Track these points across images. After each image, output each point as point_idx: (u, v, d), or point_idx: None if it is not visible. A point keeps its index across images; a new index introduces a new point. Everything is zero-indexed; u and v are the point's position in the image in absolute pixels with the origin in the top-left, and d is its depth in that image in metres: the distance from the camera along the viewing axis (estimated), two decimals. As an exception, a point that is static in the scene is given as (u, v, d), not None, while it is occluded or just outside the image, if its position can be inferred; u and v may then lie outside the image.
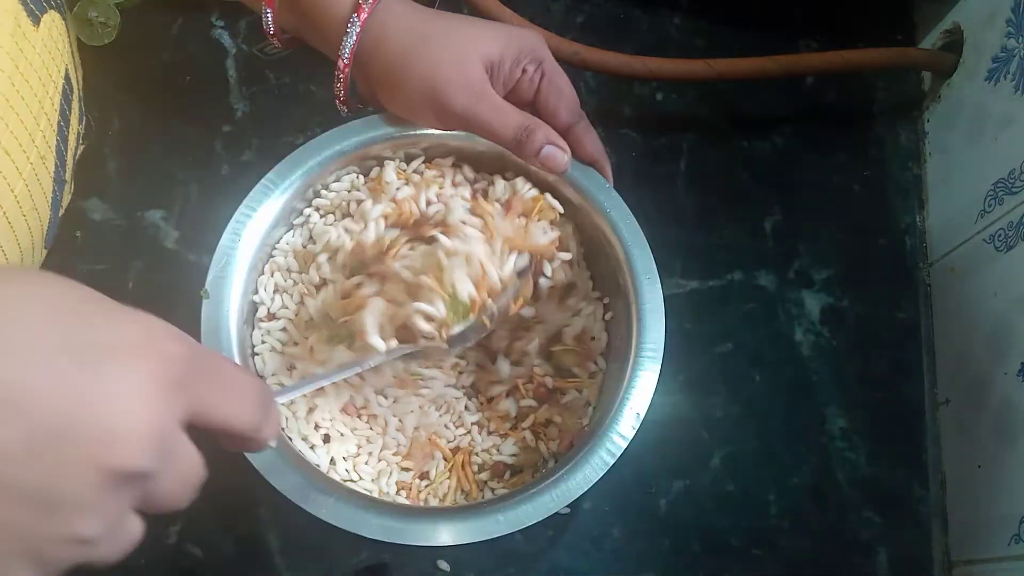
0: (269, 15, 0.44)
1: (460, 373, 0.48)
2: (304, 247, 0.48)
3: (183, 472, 0.25)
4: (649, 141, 0.61)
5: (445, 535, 0.40)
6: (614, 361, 0.48)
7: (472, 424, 0.48)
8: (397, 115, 0.47)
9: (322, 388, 0.45)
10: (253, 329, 0.47)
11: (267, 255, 0.48)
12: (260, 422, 0.28)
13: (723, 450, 0.54)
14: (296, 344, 0.47)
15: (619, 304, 0.48)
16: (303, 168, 0.47)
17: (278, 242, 0.49)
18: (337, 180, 0.49)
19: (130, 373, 0.22)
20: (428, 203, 0.47)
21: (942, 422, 0.56)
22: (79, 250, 0.54)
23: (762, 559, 0.52)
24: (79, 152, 0.49)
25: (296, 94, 0.59)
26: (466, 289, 0.41)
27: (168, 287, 0.51)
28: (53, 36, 0.42)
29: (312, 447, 0.45)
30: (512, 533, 0.41)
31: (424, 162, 0.50)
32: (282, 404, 0.44)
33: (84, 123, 0.49)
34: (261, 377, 0.46)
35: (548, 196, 0.49)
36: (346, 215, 0.49)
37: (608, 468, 0.42)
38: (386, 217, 0.46)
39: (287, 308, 0.47)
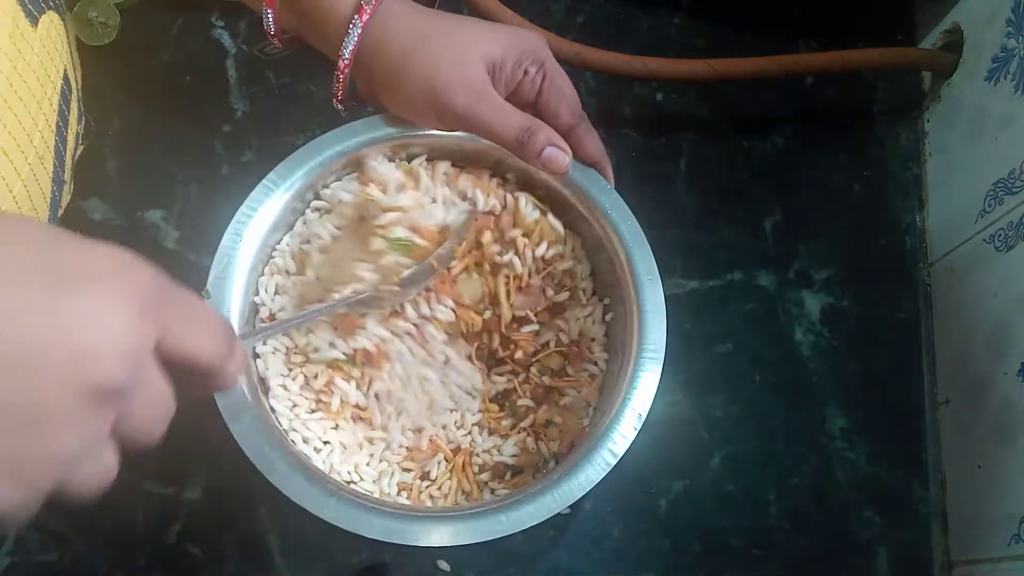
0: (270, 15, 0.44)
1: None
2: (303, 248, 0.48)
3: (154, 398, 0.26)
4: (649, 141, 0.61)
5: (446, 536, 0.40)
6: (615, 362, 0.48)
7: (472, 425, 0.48)
8: (398, 115, 0.47)
9: (326, 391, 0.45)
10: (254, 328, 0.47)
11: (268, 256, 0.48)
12: (225, 354, 0.29)
13: (723, 450, 0.54)
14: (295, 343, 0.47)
15: (620, 305, 0.48)
16: (304, 169, 0.47)
17: (278, 243, 0.49)
18: (338, 180, 0.49)
19: (102, 295, 0.24)
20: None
21: (942, 422, 0.56)
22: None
23: (762, 559, 0.52)
24: (78, 152, 0.49)
25: (296, 94, 0.59)
26: (401, 232, 0.44)
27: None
28: (51, 37, 0.42)
29: (316, 450, 0.45)
30: (513, 533, 0.41)
31: (427, 160, 0.50)
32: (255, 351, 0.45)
33: (83, 123, 0.49)
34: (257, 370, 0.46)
35: (549, 216, 0.49)
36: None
37: (610, 469, 0.42)
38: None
39: (286, 310, 0.47)
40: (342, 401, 0.46)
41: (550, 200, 0.50)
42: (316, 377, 0.46)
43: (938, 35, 0.62)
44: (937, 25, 0.63)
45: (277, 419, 0.45)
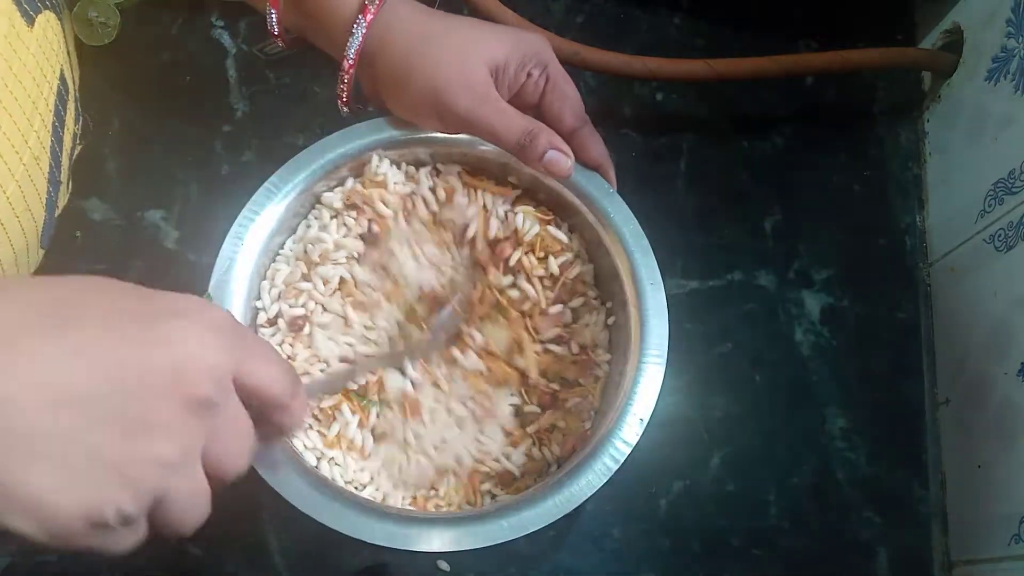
0: (274, 15, 0.44)
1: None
2: (306, 252, 0.48)
3: (236, 424, 0.30)
4: (649, 141, 0.61)
5: (448, 541, 0.40)
6: (617, 365, 0.47)
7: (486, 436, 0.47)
8: (401, 117, 0.47)
9: (328, 413, 0.46)
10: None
11: (270, 260, 0.48)
12: (291, 392, 0.32)
13: (723, 450, 0.54)
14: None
15: (622, 308, 0.47)
16: (306, 171, 0.47)
17: (281, 248, 0.48)
18: (341, 184, 0.49)
19: (189, 326, 0.27)
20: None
21: (942, 422, 0.56)
22: (79, 250, 0.54)
23: (762, 559, 0.52)
24: (76, 152, 0.49)
25: (296, 94, 0.59)
26: (414, 292, 0.47)
27: (168, 287, 0.51)
28: (48, 36, 0.42)
29: (317, 458, 0.45)
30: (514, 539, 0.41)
31: (433, 168, 0.50)
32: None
33: (80, 123, 0.49)
34: None
35: (550, 228, 0.49)
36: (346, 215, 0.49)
37: (611, 474, 0.42)
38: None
39: (283, 317, 0.47)
40: (339, 433, 0.45)
41: (553, 204, 0.50)
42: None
43: (938, 35, 0.62)
44: (937, 25, 0.63)
45: None
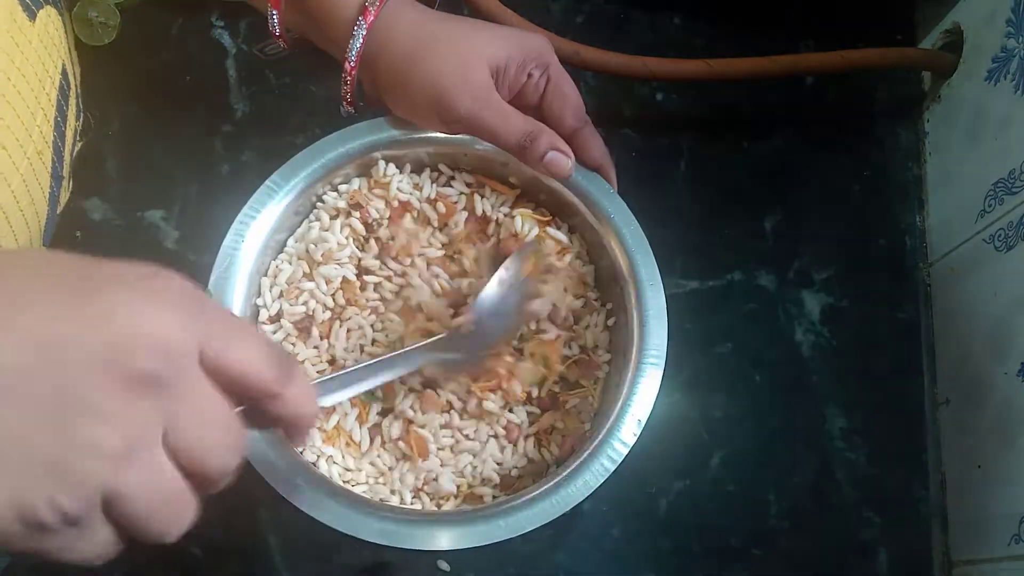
0: (275, 16, 0.44)
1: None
2: (308, 252, 0.48)
3: (206, 411, 0.25)
4: (649, 141, 0.61)
5: (447, 540, 0.40)
6: (616, 366, 0.47)
7: (490, 436, 0.47)
8: (401, 117, 0.47)
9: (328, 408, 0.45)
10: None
11: (270, 259, 0.48)
12: (280, 377, 0.27)
13: (723, 450, 0.54)
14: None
15: (621, 310, 0.47)
16: (307, 170, 0.47)
17: (283, 246, 0.48)
18: (345, 182, 0.49)
19: (131, 297, 0.23)
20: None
21: (942, 422, 0.56)
22: (79, 250, 0.53)
23: (762, 559, 0.52)
24: (77, 149, 0.49)
25: (296, 94, 0.59)
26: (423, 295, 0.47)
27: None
28: (50, 32, 0.42)
29: (316, 456, 0.45)
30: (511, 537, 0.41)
31: (431, 172, 0.50)
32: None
33: (82, 120, 0.49)
34: None
35: (550, 230, 0.49)
36: (349, 215, 0.49)
37: (608, 475, 0.42)
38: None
39: (284, 316, 0.47)
40: (339, 425, 0.45)
41: (553, 204, 0.50)
42: None
43: (938, 35, 0.62)
44: (937, 25, 0.63)
45: None
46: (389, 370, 0.41)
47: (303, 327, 0.47)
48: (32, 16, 0.40)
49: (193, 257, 0.54)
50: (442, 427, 0.46)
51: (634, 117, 0.62)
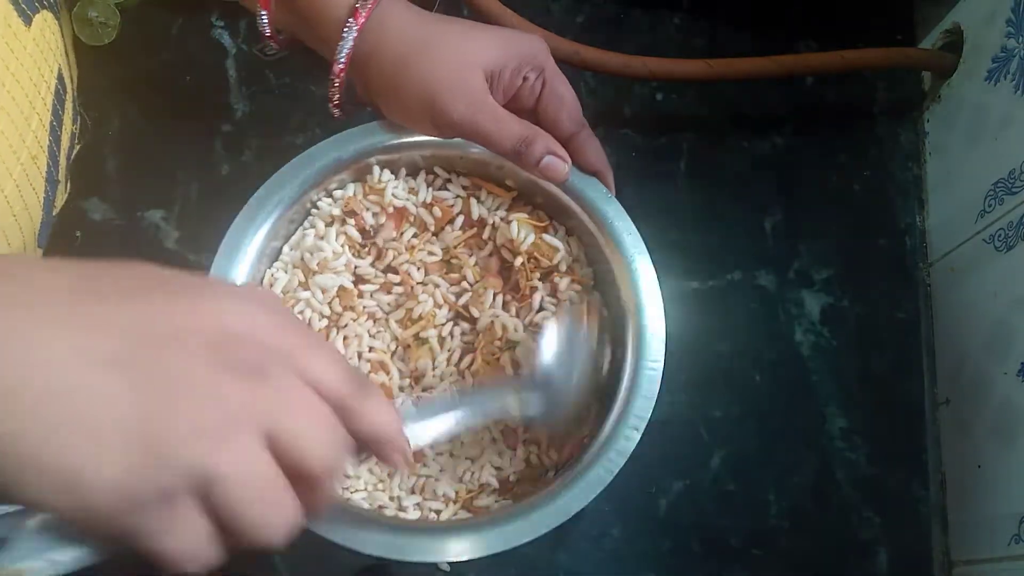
0: (264, 17, 0.44)
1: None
2: (303, 260, 0.48)
3: (309, 407, 0.25)
4: (649, 141, 0.61)
5: (447, 551, 0.41)
6: (614, 372, 0.47)
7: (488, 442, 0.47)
8: (394, 121, 0.46)
9: None
10: None
11: (265, 267, 0.48)
12: (358, 393, 0.27)
13: (723, 450, 0.54)
14: None
15: (620, 315, 0.47)
16: (300, 177, 0.46)
17: (278, 254, 0.48)
18: (340, 187, 0.49)
19: (236, 298, 0.25)
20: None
21: (942, 422, 0.56)
22: (79, 250, 0.54)
23: (762, 559, 0.52)
24: (74, 152, 0.49)
25: (296, 94, 0.59)
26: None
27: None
28: (46, 36, 0.42)
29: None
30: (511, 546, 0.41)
31: (427, 175, 0.50)
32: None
33: (79, 123, 0.49)
34: None
35: (546, 236, 0.48)
36: (344, 223, 0.49)
37: (606, 485, 0.42)
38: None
39: None
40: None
41: (550, 207, 0.49)
42: None
43: (938, 35, 0.62)
44: (937, 25, 0.63)
45: None
46: (478, 409, 0.38)
47: None
48: (28, 21, 0.40)
49: (193, 257, 0.54)
50: None
51: (634, 117, 0.62)
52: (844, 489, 0.54)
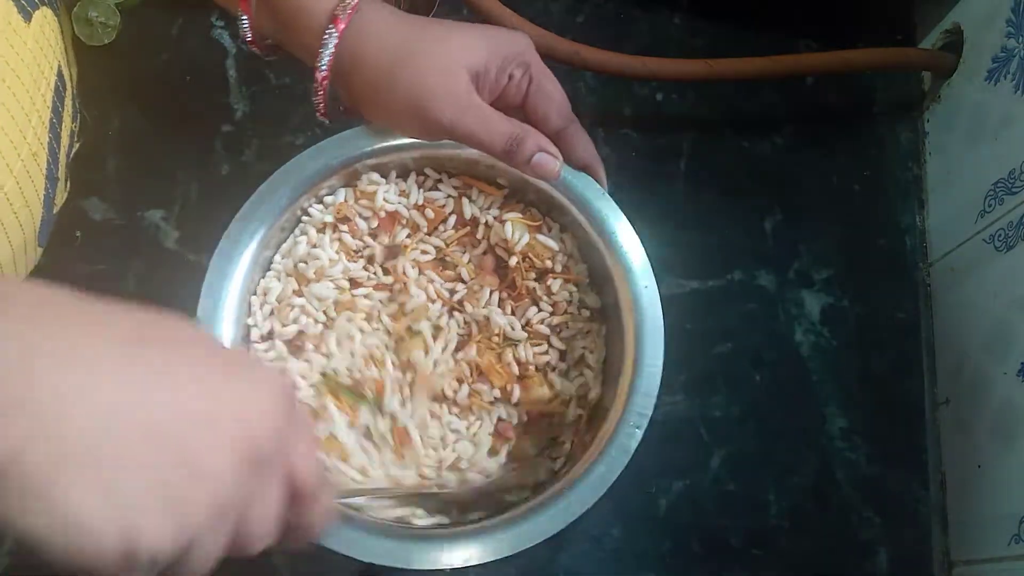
0: (245, 22, 0.43)
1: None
2: (296, 268, 0.48)
3: (274, 503, 0.29)
4: (649, 141, 0.61)
5: (450, 558, 0.41)
6: (612, 374, 0.47)
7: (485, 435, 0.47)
8: (379, 125, 0.46)
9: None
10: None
11: (259, 276, 0.47)
12: (322, 484, 0.31)
13: (723, 450, 0.54)
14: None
15: (616, 318, 0.47)
16: (290, 186, 0.46)
17: (270, 263, 0.48)
18: (330, 193, 0.49)
19: (262, 384, 0.28)
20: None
21: (942, 422, 0.56)
22: (79, 250, 0.54)
23: (762, 559, 0.52)
24: (74, 150, 0.49)
25: (296, 94, 0.59)
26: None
27: (168, 287, 0.51)
28: (45, 33, 0.42)
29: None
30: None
31: (417, 176, 0.50)
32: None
33: (78, 120, 0.49)
34: None
35: (540, 236, 0.48)
36: (336, 229, 0.49)
37: (607, 488, 0.42)
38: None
39: (276, 336, 0.47)
40: (332, 436, 0.45)
41: (544, 205, 0.49)
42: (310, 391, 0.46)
43: (938, 35, 0.62)
44: (937, 25, 0.63)
45: None
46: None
47: (297, 345, 0.46)
48: (28, 17, 0.40)
49: (193, 257, 0.54)
50: (432, 416, 0.46)
51: (634, 117, 0.62)
52: (844, 489, 0.54)
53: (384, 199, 0.48)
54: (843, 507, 0.54)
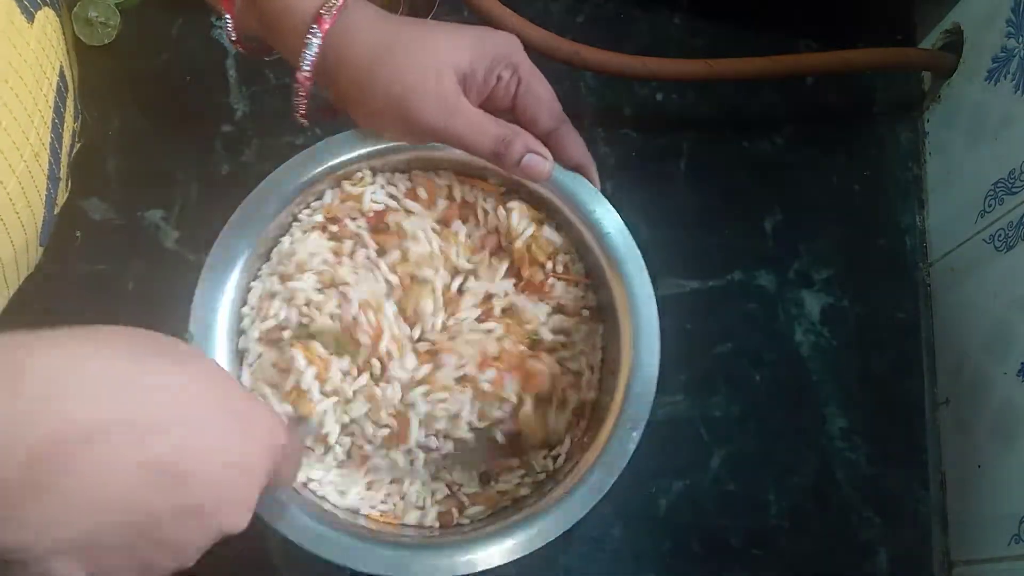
0: (229, 22, 0.43)
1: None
2: (280, 264, 0.47)
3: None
4: (649, 141, 0.61)
5: (452, 566, 0.41)
6: (609, 375, 0.47)
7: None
8: (365, 127, 0.45)
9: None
10: (240, 369, 0.46)
11: (248, 282, 0.47)
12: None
13: (723, 450, 0.54)
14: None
15: (612, 319, 0.47)
16: (280, 194, 0.46)
17: (258, 271, 0.48)
18: (319, 198, 0.48)
19: (259, 449, 0.34)
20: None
21: (942, 422, 0.56)
22: (79, 250, 0.54)
23: (762, 559, 0.52)
24: (75, 150, 0.49)
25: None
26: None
27: (168, 287, 0.51)
28: (47, 33, 0.42)
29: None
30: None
31: (408, 177, 0.50)
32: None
33: (80, 121, 0.49)
34: None
35: (545, 228, 0.48)
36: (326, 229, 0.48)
37: (607, 490, 0.42)
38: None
39: (262, 337, 0.46)
40: (296, 387, 0.44)
41: (535, 202, 0.49)
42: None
43: (938, 35, 0.62)
44: (937, 25, 0.63)
45: None
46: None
47: (274, 339, 0.46)
48: (30, 18, 0.40)
49: (193, 257, 0.54)
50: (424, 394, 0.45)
51: (634, 117, 0.62)
52: (844, 489, 0.54)
53: (372, 199, 0.48)
54: (843, 507, 0.54)
